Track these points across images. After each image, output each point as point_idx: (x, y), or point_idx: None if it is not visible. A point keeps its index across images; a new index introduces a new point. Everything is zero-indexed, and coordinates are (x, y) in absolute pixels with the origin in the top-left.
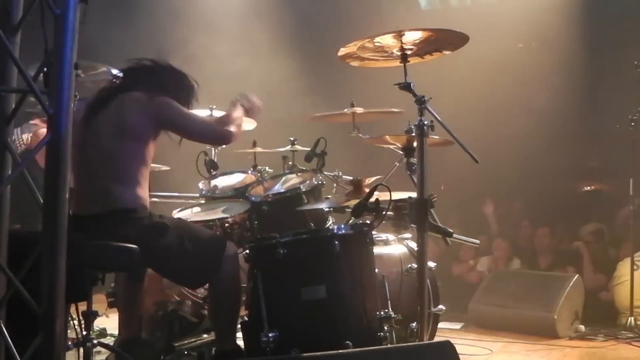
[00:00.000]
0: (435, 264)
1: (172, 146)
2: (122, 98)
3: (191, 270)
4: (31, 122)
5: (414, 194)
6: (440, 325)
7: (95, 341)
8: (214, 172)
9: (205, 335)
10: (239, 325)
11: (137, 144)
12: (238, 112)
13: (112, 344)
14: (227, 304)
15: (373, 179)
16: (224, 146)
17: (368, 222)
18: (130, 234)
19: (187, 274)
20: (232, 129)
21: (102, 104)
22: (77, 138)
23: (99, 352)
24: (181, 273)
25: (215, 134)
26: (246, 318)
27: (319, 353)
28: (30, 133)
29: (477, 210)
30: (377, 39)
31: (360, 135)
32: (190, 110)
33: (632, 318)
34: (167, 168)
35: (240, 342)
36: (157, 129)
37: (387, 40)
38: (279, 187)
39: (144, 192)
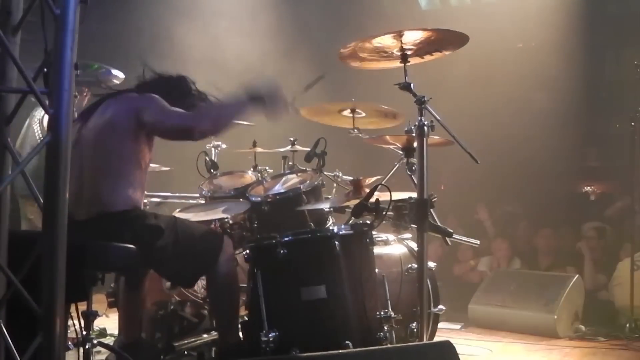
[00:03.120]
0: (435, 264)
1: (173, 146)
2: (116, 97)
3: (187, 269)
4: None
5: (414, 194)
6: (440, 325)
7: (95, 341)
8: (214, 172)
9: (205, 335)
10: (239, 325)
11: (129, 142)
12: (235, 106)
13: (112, 344)
14: (226, 298)
15: (373, 179)
16: (221, 147)
17: (368, 222)
18: (124, 236)
19: (183, 273)
20: (206, 126)
21: (95, 106)
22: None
23: (99, 352)
24: (177, 272)
25: (182, 129)
26: (246, 318)
27: (319, 353)
28: None
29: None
30: (376, 40)
31: (360, 135)
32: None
33: (632, 318)
34: (167, 168)
35: None
36: (140, 124)
37: (387, 40)
38: (279, 187)
39: (136, 193)
